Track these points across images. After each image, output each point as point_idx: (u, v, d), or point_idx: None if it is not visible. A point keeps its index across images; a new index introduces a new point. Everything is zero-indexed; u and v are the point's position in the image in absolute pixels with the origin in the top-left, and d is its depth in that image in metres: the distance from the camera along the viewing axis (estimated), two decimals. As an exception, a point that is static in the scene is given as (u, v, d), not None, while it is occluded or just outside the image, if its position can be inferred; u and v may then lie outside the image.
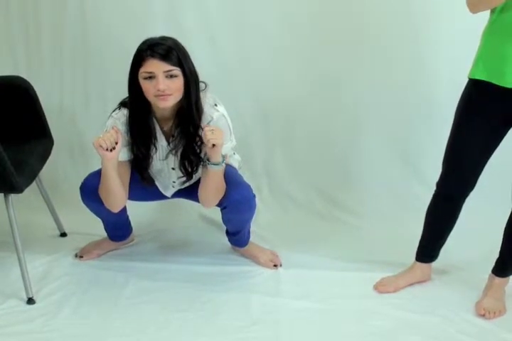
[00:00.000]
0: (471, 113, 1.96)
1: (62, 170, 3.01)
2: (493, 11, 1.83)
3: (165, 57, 1.92)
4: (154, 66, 1.92)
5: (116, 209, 2.18)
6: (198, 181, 2.20)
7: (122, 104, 2.11)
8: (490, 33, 1.86)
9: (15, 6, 2.84)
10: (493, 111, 1.92)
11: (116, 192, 2.10)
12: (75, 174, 2.90)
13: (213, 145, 1.97)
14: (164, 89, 1.92)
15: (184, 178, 2.20)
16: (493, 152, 2.01)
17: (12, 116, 2.45)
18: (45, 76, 2.92)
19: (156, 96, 1.94)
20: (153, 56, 1.91)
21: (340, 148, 2.92)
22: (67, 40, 2.86)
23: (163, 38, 1.98)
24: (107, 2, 2.77)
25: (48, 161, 2.44)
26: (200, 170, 2.17)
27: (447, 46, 2.67)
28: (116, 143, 2.00)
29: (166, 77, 1.93)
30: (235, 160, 2.37)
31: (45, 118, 2.46)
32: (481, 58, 1.90)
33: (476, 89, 1.93)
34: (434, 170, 2.14)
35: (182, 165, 2.15)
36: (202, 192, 2.15)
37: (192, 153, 2.11)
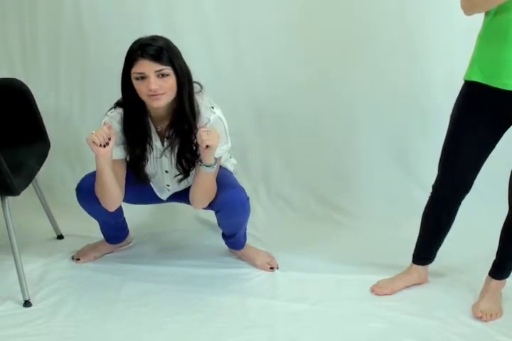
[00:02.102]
0: (466, 115, 1.96)
1: (58, 172, 3.01)
2: (487, 14, 1.84)
3: (155, 57, 1.92)
4: (145, 66, 1.92)
5: (112, 207, 2.18)
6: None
7: (118, 104, 2.12)
8: (485, 35, 1.86)
9: (11, 7, 2.85)
10: (489, 113, 1.92)
11: (111, 190, 2.10)
12: (72, 176, 2.91)
13: (207, 146, 1.97)
14: (156, 89, 1.93)
15: (181, 176, 2.19)
16: (489, 154, 2.02)
17: (9, 118, 2.45)
18: (42, 78, 2.92)
19: (149, 96, 1.95)
20: (143, 56, 1.92)
21: (337, 151, 2.92)
22: (64, 41, 2.86)
23: (154, 38, 1.98)
24: (103, 3, 2.77)
25: (44, 164, 2.43)
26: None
27: (443, 48, 2.67)
28: (109, 139, 2.00)
29: (158, 76, 1.94)
30: (231, 164, 2.37)
31: (41, 121, 2.46)
32: (476, 60, 1.90)
33: (472, 91, 1.93)
34: (431, 173, 2.14)
35: (179, 163, 2.15)
36: (193, 193, 2.16)
37: (188, 151, 2.11)
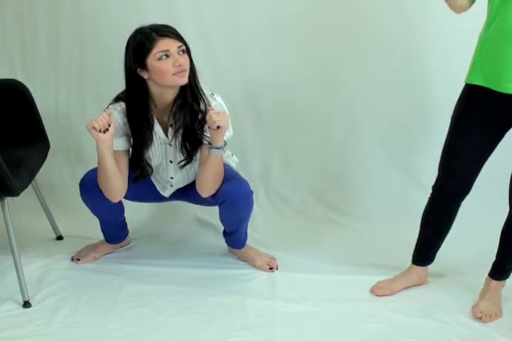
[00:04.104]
0: (467, 117, 1.97)
1: (58, 173, 3.01)
2: (488, 16, 1.84)
3: (171, 33, 1.99)
4: (169, 43, 1.97)
5: (115, 198, 2.18)
6: (194, 182, 2.21)
7: (118, 98, 2.14)
8: (486, 38, 1.86)
9: (11, 7, 2.84)
10: (490, 116, 1.92)
11: (114, 179, 2.11)
12: (71, 177, 2.91)
13: (218, 127, 1.98)
14: (183, 63, 1.98)
15: (184, 162, 2.19)
16: (489, 156, 2.02)
17: (8, 119, 2.45)
18: (42, 78, 2.92)
19: (175, 73, 1.98)
20: (162, 35, 1.97)
21: (337, 151, 2.92)
22: (64, 41, 2.86)
23: (153, 24, 2.02)
24: (103, 3, 2.77)
25: (44, 164, 2.43)
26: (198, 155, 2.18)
27: (444, 48, 2.67)
28: (109, 126, 2.01)
29: (178, 53, 1.98)
30: (232, 162, 2.37)
31: (41, 121, 2.46)
32: (477, 63, 1.90)
33: (473, 94, 1.93)
34: (431, 173, 2.15)
35: (183, 147, 2.15)
36: (201, 178, 2.15)
37: (194, 131, 2.11)
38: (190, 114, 2.09)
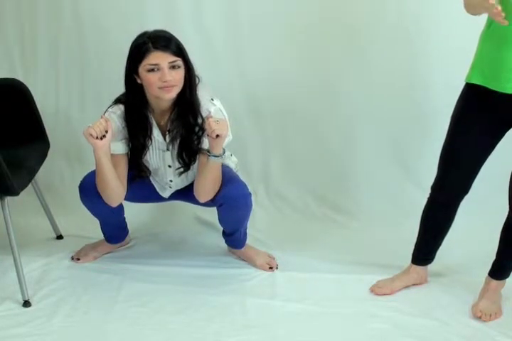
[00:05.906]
0: (467, 116, 1.97)
1: (58, 172, 3.00)
2: (489, 16, 1.84)
3: (168, 47, 1.95)
4: (159, 57, 1.94)
5: (114, 202, 2.18)
6: (193, 184, 2.21)
7: (118, 100, 2.13)
8: (487, 38, 1.86)
9: (11, 7, 2.84)
10: (490, 115, 1.92)
11: (112, 184, 2.11)
12: (71, 176, 2.91)
13: (217, 135, 1.97)
14: (170, 80, 1.95)
15: (182, 169, 2.19)
16: (488, 155, 2.02)
17: (8, 118, 2.45)
18: (42, 78, 2.91)
19: (161, 88, 1.97)
20: (156, 48, 1.95)
21: (337, 151, 2.92)
22: (63, 41, 2.85)
23: (160, 31, 2.01)
24: (102, 3, 2.77)
25: (44, 164, 2.43)
26: (196, 161, 2.17)
27: (444, 49, 2.67)
28: (107, 132, 2.01)
29: (170, 68, 1.96)
30: (232, 162, 2.37)
31: (41, 121, 2.46)
32: (477, 63, 1.90)
33: (473, 93, 1.94)
34: (430, 174, 2.15)
35: (180, 157, 2.15)
36: (199, 184, 2.15)
37: (189, 144, 2.12)
38: (186, 127, 2.09)
